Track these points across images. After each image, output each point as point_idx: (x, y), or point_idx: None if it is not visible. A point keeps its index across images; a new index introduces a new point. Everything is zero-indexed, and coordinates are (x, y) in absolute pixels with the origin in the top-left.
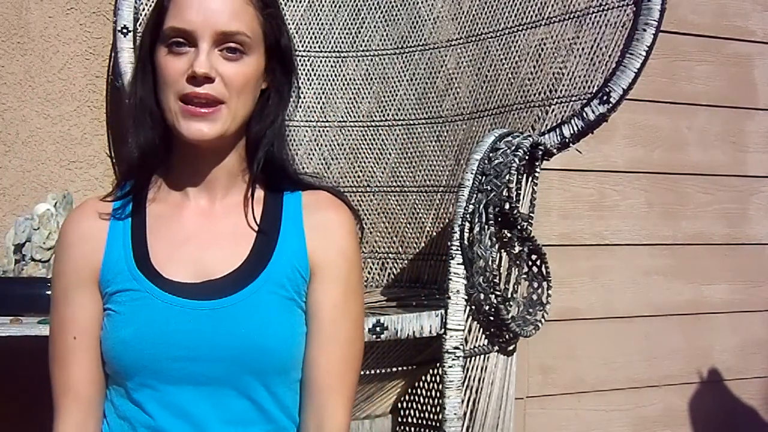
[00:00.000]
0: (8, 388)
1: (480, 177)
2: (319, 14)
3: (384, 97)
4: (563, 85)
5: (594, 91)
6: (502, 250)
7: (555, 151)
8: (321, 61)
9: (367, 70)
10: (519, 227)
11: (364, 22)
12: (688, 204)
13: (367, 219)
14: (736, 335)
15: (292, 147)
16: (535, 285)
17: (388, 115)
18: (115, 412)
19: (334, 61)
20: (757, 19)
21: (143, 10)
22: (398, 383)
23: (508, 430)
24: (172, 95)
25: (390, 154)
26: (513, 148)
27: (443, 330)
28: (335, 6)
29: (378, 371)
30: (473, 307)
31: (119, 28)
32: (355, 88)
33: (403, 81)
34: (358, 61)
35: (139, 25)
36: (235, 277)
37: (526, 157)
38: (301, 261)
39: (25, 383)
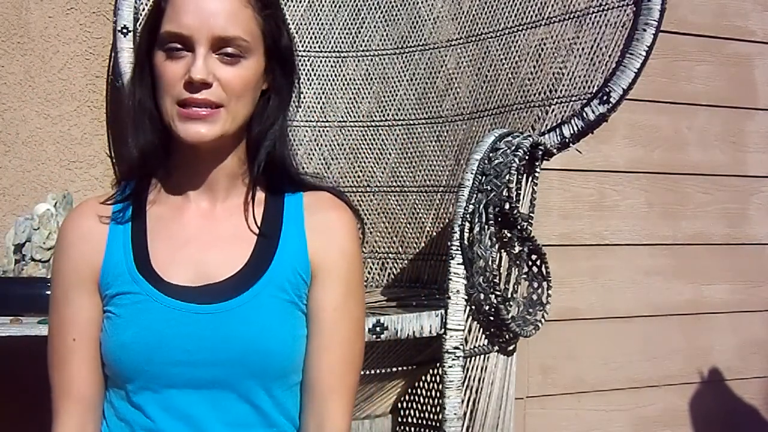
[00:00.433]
0: (8, 388)
1: (480, 177)
2: (319, 14)
3: (384, 97)
4: (563, 85)
5: (594, 91)
6: (502, 250)
7: (555, 151)
8: (321, 61)
9: (367, 70)
10: (519, 227)
11: (364, 22)
12: (688, 204)
13: (367, 219)
14: (736, 335)
15: (292, 147)
16: (535, 285)
17: (388, 115)
18: (114, 414)
19: (334, 61)
20: (757, 19)
21: (143, 10)
22: (398, 383)
23: (508, 430)
24: (170, 99)
25: (390, 154)
26: (513, 148)
27: (443, 330)
28: (335, 6)
29: (378, 371)
30: (473, 307)
31: (119, 28)
32: (355, 88)
33: (403, 81)
34: (358, 61)
35: (139, 25)
36: (236, 280)
37: (526, 157)
38: (302, 263)
39: (25, 383)
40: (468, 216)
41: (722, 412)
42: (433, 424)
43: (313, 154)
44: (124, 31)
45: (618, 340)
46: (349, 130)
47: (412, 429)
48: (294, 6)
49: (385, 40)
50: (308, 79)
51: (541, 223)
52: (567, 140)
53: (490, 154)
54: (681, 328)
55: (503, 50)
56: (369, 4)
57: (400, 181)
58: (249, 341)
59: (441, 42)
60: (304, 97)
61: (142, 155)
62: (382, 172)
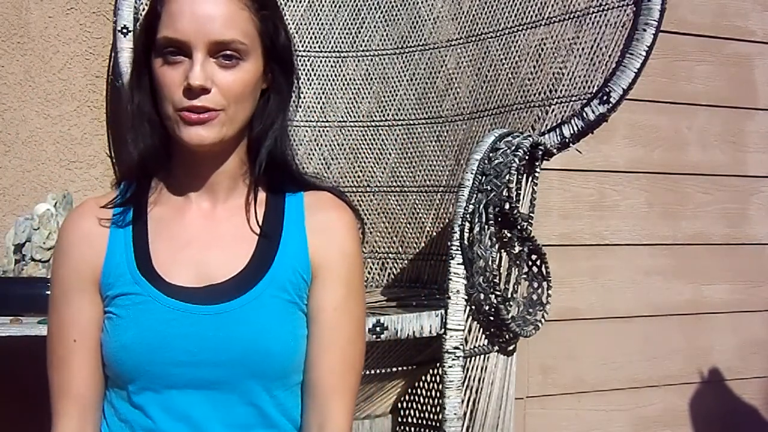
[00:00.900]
0: (8, 388)
1: (480, 177)
2: (319, 14)
3: (384, 97)
4: (563, 85)
5: (594, 91)
6: (502, 250)
7: (555, 151)
8: (321, 61)
9: (367, 70)
10: (519, 227)
11: (364, 22)
12: (688, 204)
13: (367, 219)
14: (736, 335)
15: (292, 146)
16: (535, 285)
17: (388, 115)
18: (115, 415)
19: (334, 61)
20: (757, 19)
21: (143, 10)
22: (398, 383)
23: (508, 430)
24: (170, 106)
25: (390, 154)
26: (513, 148)
27: (443, 330)
28: (335, 6)
29: (378, 371)
30: (473, 307)
31: (119, 28)
32: (355, 88)
33: (403, 81)
34: (358, 61)
35: (139, 25)
36: (237, 281)
37: (526, 157)
38: (302, 263)
39: (25, 383)
40: (468, 216)
41: (722, 412)
42: (433, 424)
43: (313, 154)
44: (124, 31)
45: (618, 340)
46: (349, 130)
47: (412, 429)
48: (294, 6)
49: (385, 40)
50: (308, 79)
51: (541, 223)
52: (567, 140)
53: (490, 154)
54: (681, 328)
55: (503, 50)
56: (369, 4)
57: (400, 181)
58: (250, 342)
59: (441, 42)
60: (304, 97)
61: (142, 158)
62: (382, 172)
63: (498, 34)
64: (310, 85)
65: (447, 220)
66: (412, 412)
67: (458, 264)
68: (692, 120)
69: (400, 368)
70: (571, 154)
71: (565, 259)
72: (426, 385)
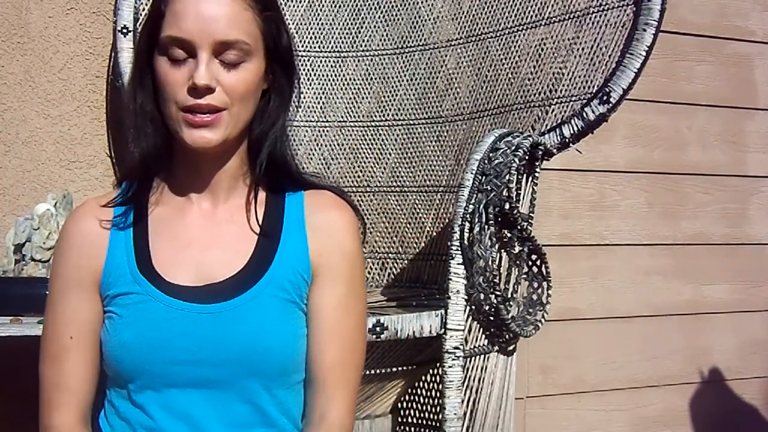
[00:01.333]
0: (8, 388)
1: (480, 177)
2: (319, 14)
3: (384, 97)
4: (563, 85)
5: (594, 91)
6: (502, 250)
7: (555, 151)
8: (321, 61)
9: (367, 70)
10: (519, 227)
11: (364, 22)
12: (688, 204)
13: (367, 219)
14: (736, 335)
15: (292, 146)
16: (535, 285)
17: (388, 115)
18: (116, 414)
19: (334, 61)
20: (757, 19)
21: (143, 10)
22: (398, 383)
23: (508, 430)
24: (174, 106)
25: (390, 154)
26: (513, 148)
27: (443, 330)
28: (335, 6)
29: (378, 371)
30: (473, 307)
31: (119, 28)
32: (355, 88)
33: (403, 81)
34: (358, 61)
35: (139, 25)
36: (237, 280)
37: (526, 157)
38: (302, 263)
39: (25, 383)
40: (468, 216)
41: (722, 412)
42: (433, 424)
43: (313, 154)
44: (124, 31)
45: (618, 340)
46: (349, 130)
47: (412, 429)
48: (294, 6)
49: (385, 40)
50: (308, 79)
51: (541, 223)
52: (567, 140)
53: (490, 154)
54: (681, 328)
55: (503, 50)
56: (369, 4)
57: (400, 181)
58: (249, 340)
59: (441, 42)
60: (304, 97)
61: (144, 158)
62: (382, 172)
63: (498, 34)
64: (310, 85)
65: (447, 220)
66: (412, 412)
67: (458, 264)
68: (692, 120)
69: (400, 368)
70: (571, 154)
71: (565, 259)
72: (426, 385)
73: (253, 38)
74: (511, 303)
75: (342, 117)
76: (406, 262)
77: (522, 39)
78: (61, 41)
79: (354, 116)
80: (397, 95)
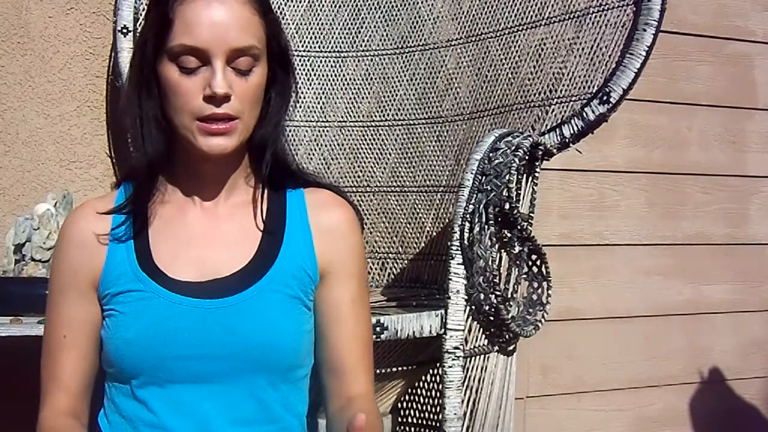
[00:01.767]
0: (8, 388)
1: (480, 177)
2: (319, 14)
3: (384, 97)
4: (563, 85)
5: (594, 91)
6: (502, 250)
7: (555, 151)
8: (321, 61)
9: (367, 70)
10: (519, 227)
11: (364, 22)
12: (688, 204)
13: (367, 219)
14: (736, 335)
15: (292, 147)
16: (535, 285)
17: (388, 115)
18: (116, 411)
19: (334, 61)
20: (757, 19)
21: (143, 10)
22: (398, 383)
23: (508, 430)
24: (188, 115)
25: (390, 154)
26: (513, 148)
27: (443, 330)
28: (335, 6)
29: (378, 371)
30: (473, 307)
31: (119, 28)
32: (355, 88)
33: (403, 81)
34: (358, 61)
35: (139, 25)
36: (241, 275)
37: (526, 157)
38: (308, 261)
39: (26, 383)
40: (468, 216)
41: (722, 412)
42: (433, 424)
43: (313, 154)
44: (124, 31)
45: (618, 340)
46: (349, 130)
47: (412, 429)
48: (294, 6)
49: (385, 40)
50: (308, 79)
51: (541, 223)
52: (567, 140)
53: (490, 154)
54: (681, 328)
55: (503, 50)
56: (369, 4)
57: (400, 181)
58: (253, 335)
59: (441, 42)
60: (304, 97)
61: (150, 164)
62: (382, 172)
63: (498, 34)
64: (310, 85)
65: (447, 220)
66: (412, 412)
67: (458, 264)
68: (692, 120)
69: (400, 368)
70: (571, 154)
71: (565, 259)
72: (426, 385)
73: (262, 42)
74: (511, 303)
75: (342, 117)
76: (406, 262)
77: (522, 39)
78: (61, 41)
79: (354, 116)
80: (397, 95)
